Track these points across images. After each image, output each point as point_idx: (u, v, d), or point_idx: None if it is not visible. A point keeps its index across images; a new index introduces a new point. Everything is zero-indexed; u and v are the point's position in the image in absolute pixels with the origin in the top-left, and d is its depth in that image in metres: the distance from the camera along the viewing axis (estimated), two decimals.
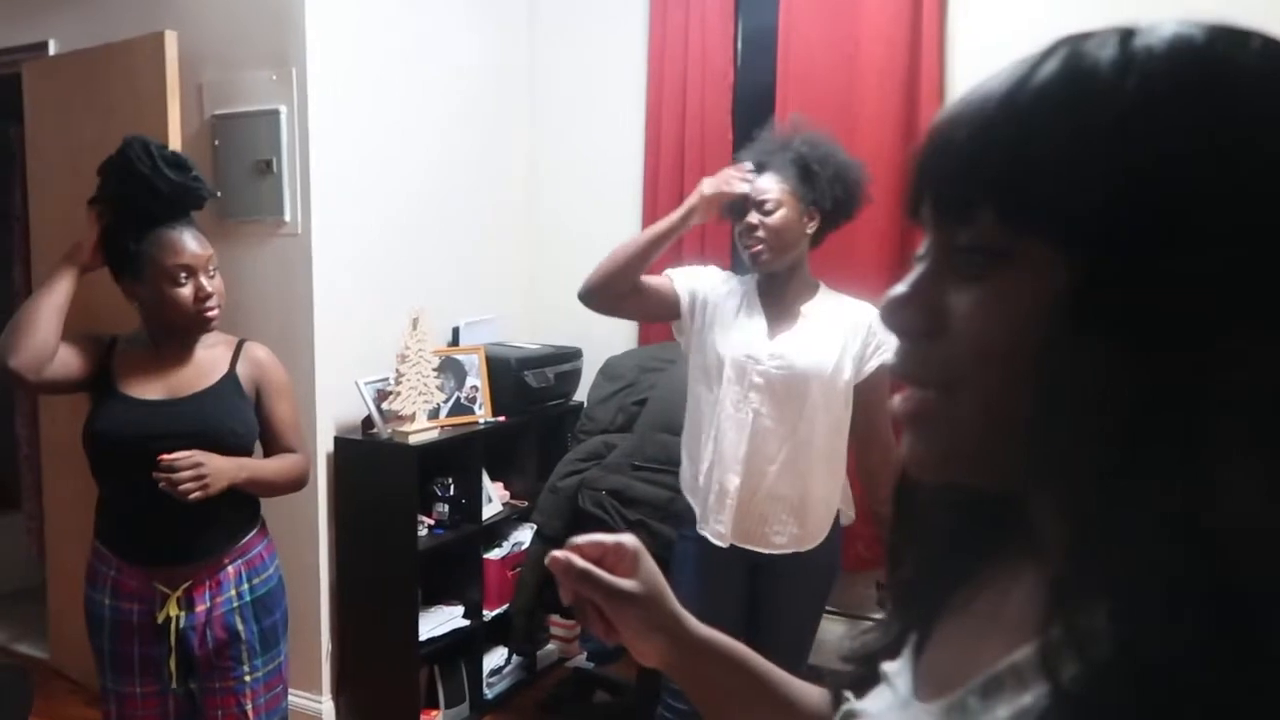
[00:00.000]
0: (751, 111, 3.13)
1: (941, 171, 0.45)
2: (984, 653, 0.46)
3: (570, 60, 3.53)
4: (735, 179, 2.00)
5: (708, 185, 2.01)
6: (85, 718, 2.91)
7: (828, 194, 1.98)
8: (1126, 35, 0.40)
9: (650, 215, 3.33)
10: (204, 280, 1.83)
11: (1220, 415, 0.37)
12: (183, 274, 1.81)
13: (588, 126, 3.53)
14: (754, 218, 1.96)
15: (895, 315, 0.46)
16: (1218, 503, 0.36)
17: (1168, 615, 0.36)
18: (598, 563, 0.73)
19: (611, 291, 2.00)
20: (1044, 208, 0.40)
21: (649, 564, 0.75)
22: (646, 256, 2.00)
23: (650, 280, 2.05)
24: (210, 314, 1.85)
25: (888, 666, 0.55)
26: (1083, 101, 0.40)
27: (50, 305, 1.80)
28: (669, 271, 2.11)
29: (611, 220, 3.43)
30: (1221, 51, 0.39)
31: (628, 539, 0.75)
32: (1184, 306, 0.37)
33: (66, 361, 1.81)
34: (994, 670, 0.44)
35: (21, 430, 3.92)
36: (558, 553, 0.73)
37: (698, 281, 2.09)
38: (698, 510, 2.05)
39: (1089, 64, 0.40)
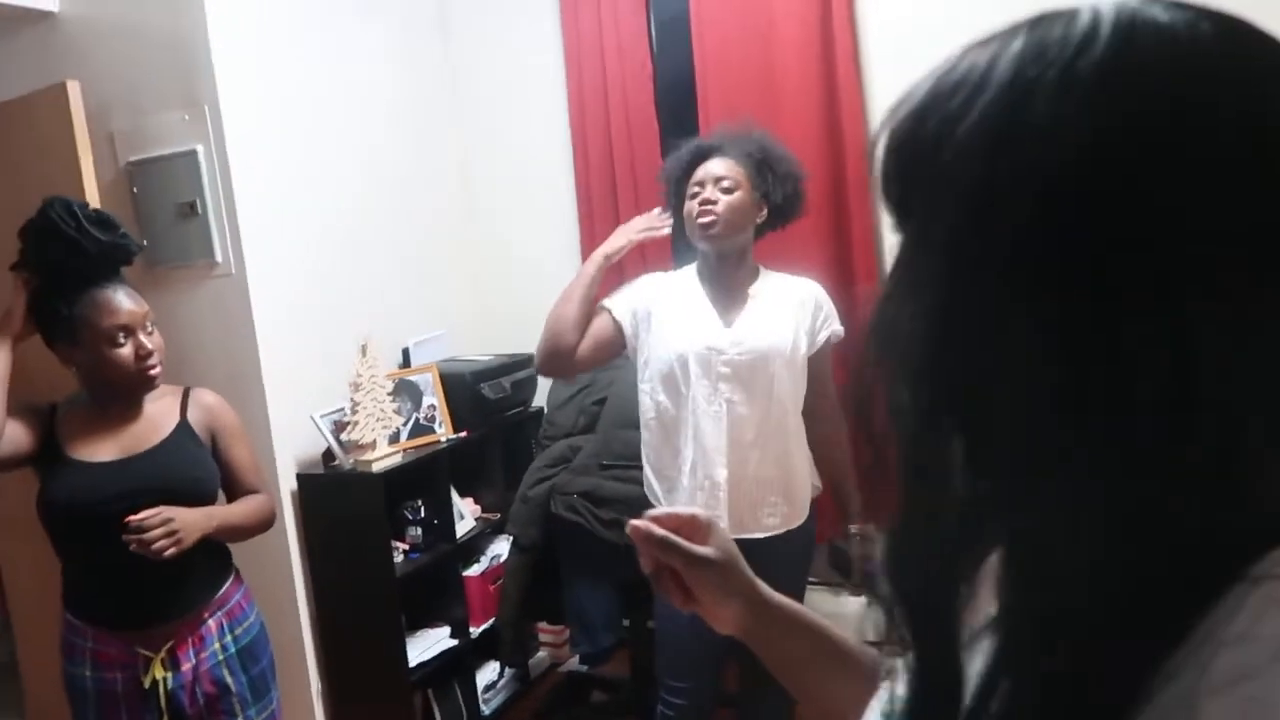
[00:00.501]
0: (674, 98, 3.15)
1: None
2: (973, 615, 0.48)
3: (488, 69, 3.51)
4: (656, 221, 2.09)
5: (627, 231, 2.10)
6: None
7: (778, 190, 2.01)
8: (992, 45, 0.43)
9: (586, 211, 3.33)
10: (143, 338, 1.78)
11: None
12: (121, 334, 1.76)
13: (514, 132, 3.51)
14: (712, 192, 1.97)
15: None
16: (1150, 472, 0.38)
17: (1063, 573, 0.39)
18: (675, 533, 0.76)
19: (564, 358, 2.03)
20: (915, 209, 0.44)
21: (722, 533, 0.79)
22: (585, 304, 2.04)
23: (593, 327, 2.07)
24: (152, 372, 1.81)
25: None
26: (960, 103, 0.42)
27: None
28: (604, 304, 2.11)
29: (549, 221, 3.42)
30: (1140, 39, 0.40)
31: (700, 512, 0.79)
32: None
33: (13, 438, 1.74)
34: (974, 626, 0.47)
35: None
36: (637, 522, 0.77)
37: (634, 300, 2.10)
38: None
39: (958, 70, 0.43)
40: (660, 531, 0.76)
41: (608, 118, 3.24)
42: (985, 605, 0.47)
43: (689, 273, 2.10)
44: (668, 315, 2.04)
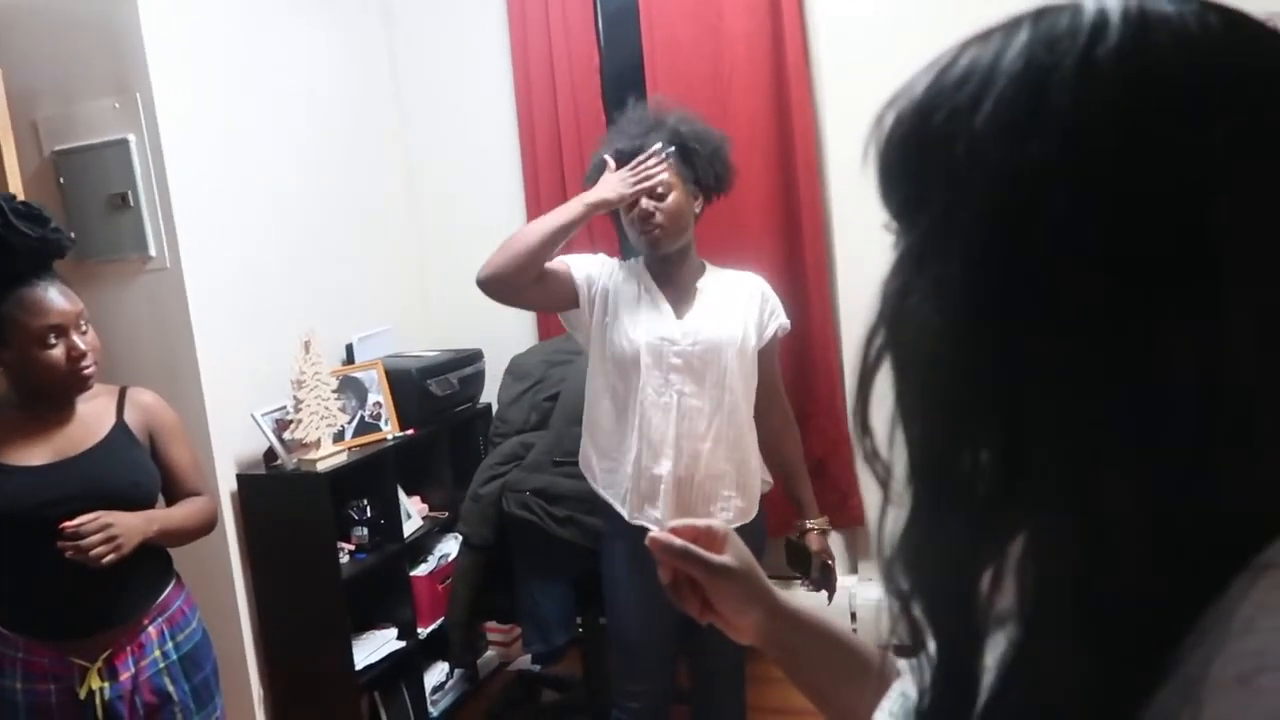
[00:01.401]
0: (622, 90, 3.12)
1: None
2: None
3: (433, 60, 3.45)
4: (651, 170, 1.92)
5: (620, 185, 1.93)
6: None
7: (709, 172, 1.98)
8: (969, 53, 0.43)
9: (534, 205, 3.29)
10: (76, 338, 1.69)
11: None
12: (52, 335, 1.67)
13: (459, 123, 3.45)
14: (648, 204, 1.93)
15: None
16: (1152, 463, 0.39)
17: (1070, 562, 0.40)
18: (693, 544, 0.77)
19: (514, 281, 1.91)
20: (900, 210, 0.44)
21: (739, 544, 0.79)
22: (552, 244, 1.91)
23: (550, 267, 1.97)
24: (86, 372, 1.72)
25: None
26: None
27: None
28: (565, 258, 2.04)
29: (495, 216, 3.37)
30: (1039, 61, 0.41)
31: (717, 523, 0.79)
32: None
33: None
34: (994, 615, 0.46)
35: None
36: (656, 534, 0.77)
37: (593, 269, 2.05)
38: (627, 504, 2.00)
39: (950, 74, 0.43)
40: (679, 542, 0.76)
41: (555, 110, 3.21)
42: (1002, 596, 0.46)
43: (639, 264, 2.07)
44: (623, 303, 2.01)
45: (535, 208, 3.29)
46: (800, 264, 2.95)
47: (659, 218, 1.93)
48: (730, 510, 1.99)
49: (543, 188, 3.25)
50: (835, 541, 2.71)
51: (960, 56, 0.43)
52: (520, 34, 3.24)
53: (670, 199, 1.93)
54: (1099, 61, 0.39)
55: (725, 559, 0.77)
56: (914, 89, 0.45)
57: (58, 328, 1.67)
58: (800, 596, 2.41)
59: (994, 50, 0.42)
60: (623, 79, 3.11)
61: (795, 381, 2.84)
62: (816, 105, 2.90)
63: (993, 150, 0.40)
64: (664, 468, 1.95)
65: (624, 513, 2.00)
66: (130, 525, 1.66)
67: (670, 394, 1.95)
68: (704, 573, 0.76)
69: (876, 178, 0.46)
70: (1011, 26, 0.42)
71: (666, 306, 2.00)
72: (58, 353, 1.67)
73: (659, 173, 1.92)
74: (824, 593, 2.12)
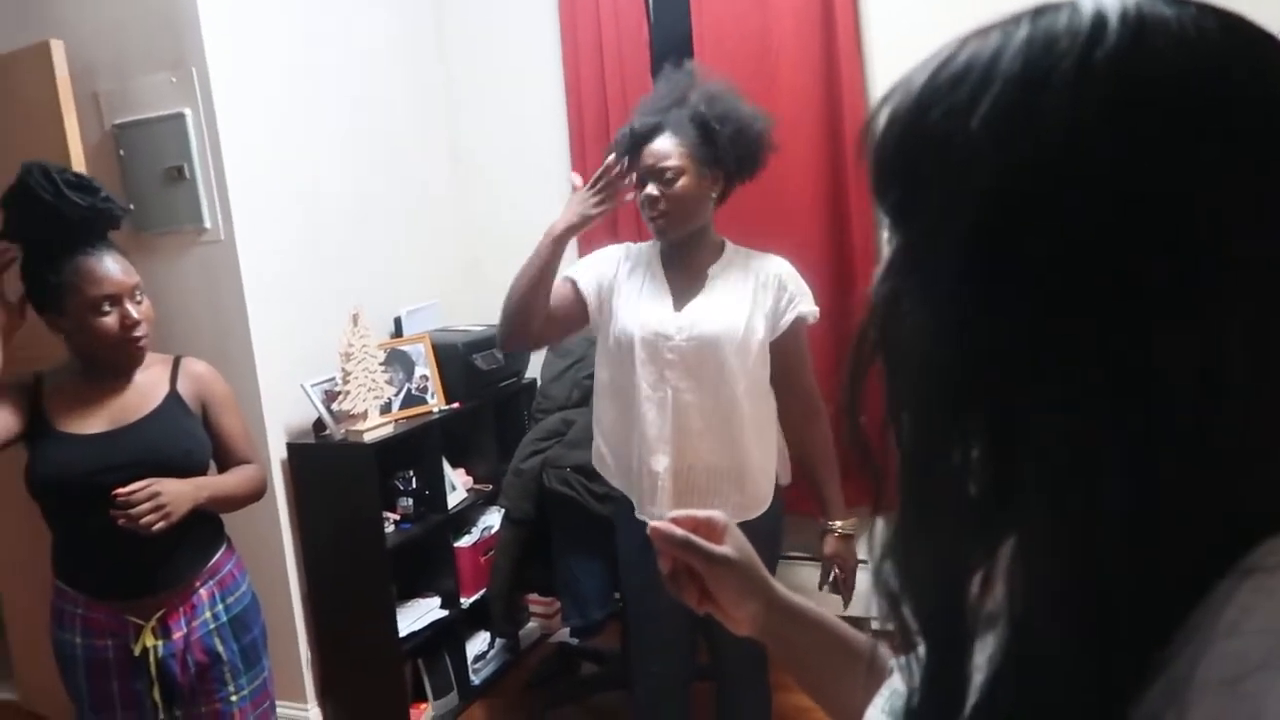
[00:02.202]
0: (670, 64, 3.10)
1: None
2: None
3: (481, 31, 3.46)
4: (612, 183, 1.86)
5: (581, 206, 1.87)
6: None
7: (730, 153, 1.87)
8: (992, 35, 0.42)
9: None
10: (130, 307, 1.74)
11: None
12: (106, 303, 1.72)
13: (507, 98, 3.46)
14: (654, 188, 1.85)
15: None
16: (1137, 466, 0.38)
17: (1058, 570, 0.40)
18: (693, 533, 0.77)
19: (524, 334, 1.90)
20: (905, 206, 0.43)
21: (739, 535, 0.80)
22: (538, 289, 1.87)
23: (555, 298, 1.92)
24: (140, 343, 1.76)
25: None
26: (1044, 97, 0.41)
27: None
28: (569, 273, 2.00)
29: (542, 192, 3.38)
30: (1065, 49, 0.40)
31: (718, 514, 0.80)
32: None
33: (2, 425, 1.70)
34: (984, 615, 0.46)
35: None
36: (657, 523, 0.77)
37: (602, 269, 2.00)
38: (634, 498, 1.98)
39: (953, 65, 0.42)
40: (680, 532, 0.77)
41: (603, 84, 3.20)
42: (992, 598, 0.46)
43: (654, 246, 2.00)
44: (624, 291, 1.96)
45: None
46: (848, 248, 2.91)
47: (664, 204, 1.85)
48: (730, 507, 1.91)
49: (589, 165, 3.23)
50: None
51: (958, 53, 0.43)
52: (569, 12, 3.23)
53: (679, 183, 1.85)
54: (1096, 64, 0.39)
55: (725, 550, 0.77)
56: (911, 85, 0.44)
57: (112, 297, 1.72)
58: (815, 595, 2.39)
59: (993, 48, 0.41)
60: (671, 53, 3.08)
61: (838, 370, 2.81)
62: (868, 83, 2.85)
63: (988, 151, 0.40)
64: (661, 464, 1.91)
65: (635, 503, 1.98)
66: (179, 493, 1.71)
67: (665, 389, 1.89)
68: (703, 563, 0.77)
69: (871, 175, 0.46)
70: (1010, 24, 0.42)
71: (667, 297, 1.93)
72: (112, 321, 1.72)
73: (623, 185, 1.87)
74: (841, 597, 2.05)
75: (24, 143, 2.44)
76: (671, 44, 3.11)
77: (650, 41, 3.17)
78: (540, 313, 1.89)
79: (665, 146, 1.86)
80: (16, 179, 1.70)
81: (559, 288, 1.95)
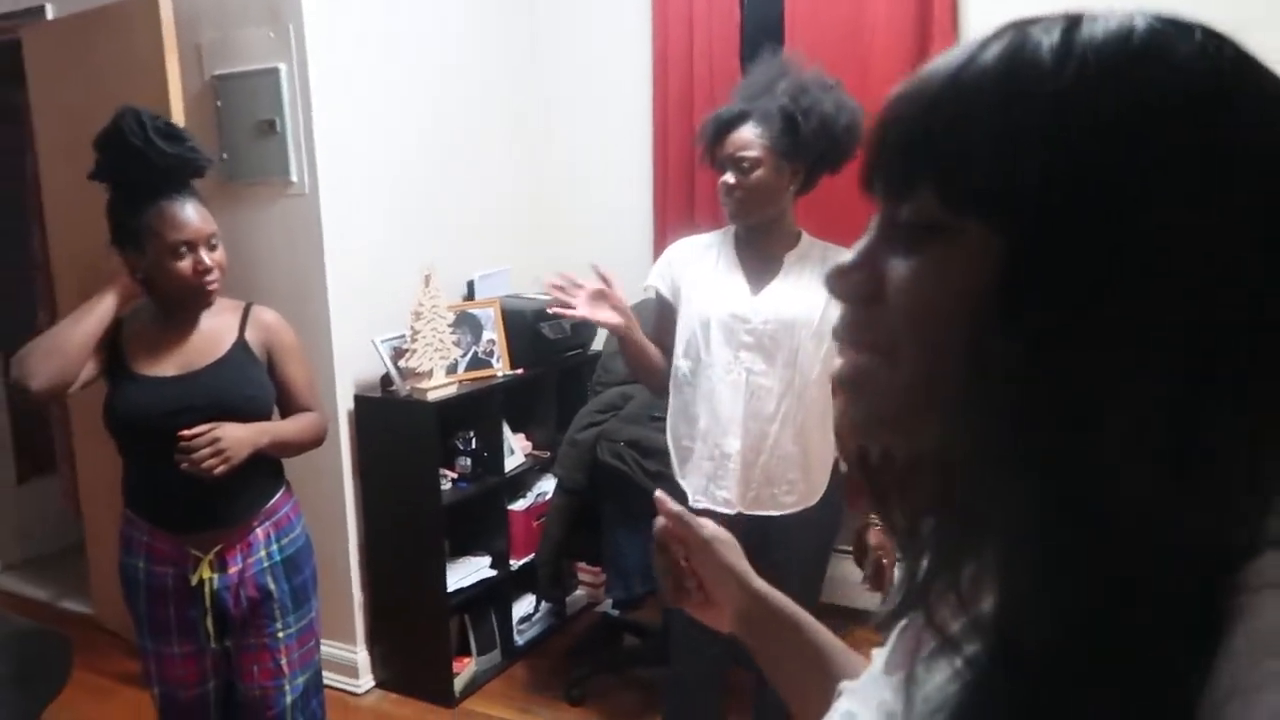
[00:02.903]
0: (760, 46, 3.06)
1: (887, 148, 0.46)
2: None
3: (570, 8, 3.46)
4: (603, 305, 1.93)
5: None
6: (127, 670, 2.99)
7: (812, 147, 1.87)
8: (1071, 22, 0.41)
9: (660, 161, 3.29)
10: (203, 254, 1.82)
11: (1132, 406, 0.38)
12: (183, 248, 1.80)
13: (593, 70, 3.47)
14: (731, 176, 1.88)
15: (839, 281, 0.48)
16: (1109, 489, 0.37)
17: (1046, 598, 0.39)
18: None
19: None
20: (978, 189, 0.41)
21: (724, 532, 0.86)
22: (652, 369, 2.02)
23: (656, 316, 2.04)
24: (210, 288, 1.84)
25: (876, 650, 0.58)
26: (1020, 85, 0.40)
27: (84, 334, 1.78)
28: (648, 284, 2.08)
29: (622, 169, 3.39)
30: (1159, 42, 0.39)
31: (705, 521, 0.86)
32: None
33: (82, 373, 1.81)
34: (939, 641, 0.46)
35: None
36: (662, 495, 0.87)
37: (667, 272, 2.05)
38: (694, 482, 2.00)
39: (1030, 48, 0.41)
40: (676, 506, 0.85)
41: (691, 64, 3.18)
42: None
43: (728, 235, 2.03)
44: (697, 278, 1.99)
45: (661, 165, 3.29)
46: None
47: (739, 192, 1.89)
48: (794, 494, 1.95)
49: (670, 144, 3.24)
50: None
51: (959, 57, 0.43)
52: None
53: (755, 174, 1.87)
54: (1031, 89, 0.39)
55: (715, 529, 0.84)
56: (929, 78, 0.44)
57: (189, 242, 1.80)
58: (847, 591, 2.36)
59: (964, 57, 0.42)
60: (761, 36, 3.04)
61: None
62: None
63: (976, 161, 0.40)
64: (732, 446, 1.94)
65: (689, 493, 1.99)
66: (240, 437, 1.78)
67: (739, 370, 1.92)
68: (695, 538, 0.83)
69: (873, 155, 0.46)
70: (984, 43, 0.43)
71: (742, 282, 1.96)
72: (186, 265, 1.80)
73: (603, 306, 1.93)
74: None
75: (129, 90, 2.54)
76: (763, 28, 3.07)
77: (741, 25, 3.13)
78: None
79: (747, 136, 1.88)
80: (110, 122, 1.79)
81: (653, 304, 2.06)
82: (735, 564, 0.82)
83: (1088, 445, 0.38)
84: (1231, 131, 0.38)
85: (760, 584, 0.81)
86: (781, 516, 1.97)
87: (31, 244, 4.01)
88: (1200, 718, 0.36)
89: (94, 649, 3.17)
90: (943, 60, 0.44)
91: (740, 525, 1.92)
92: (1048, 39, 0.40)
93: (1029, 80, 0.40)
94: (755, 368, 1.92)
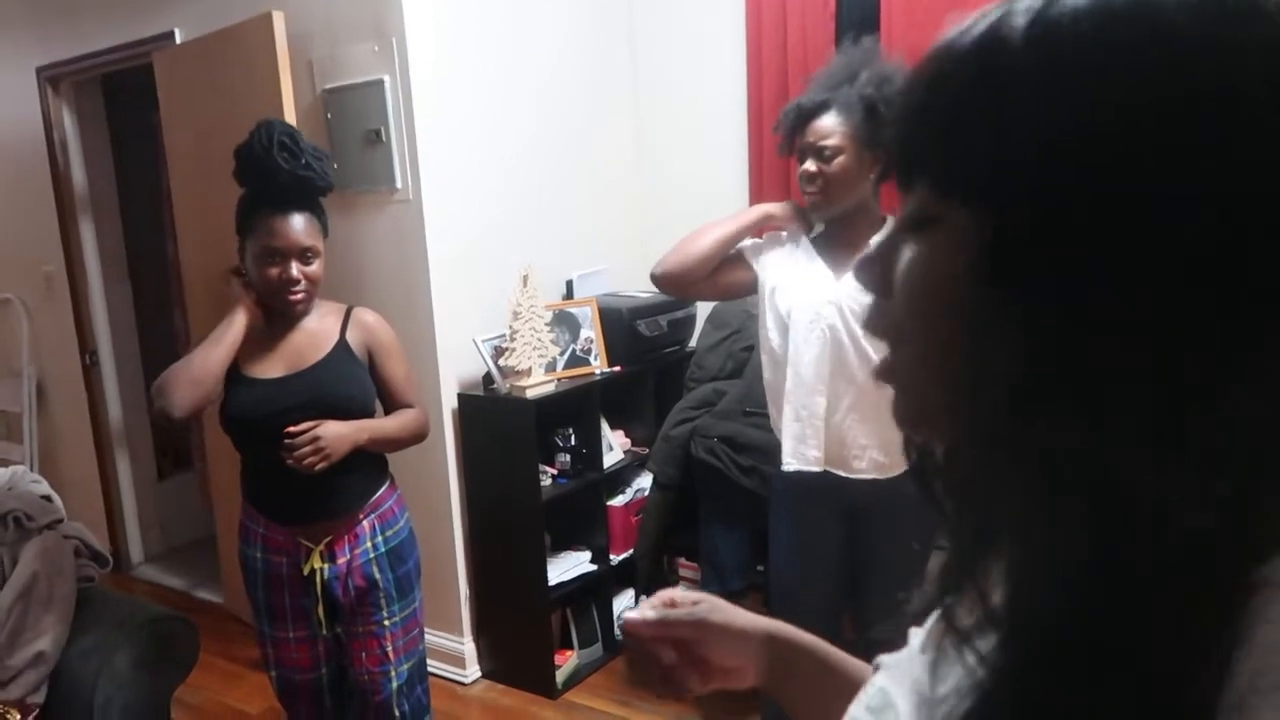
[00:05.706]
0: (850, 39, 3.01)
1: (893, 144, 0.46)
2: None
3: (666, 8, 3.48)
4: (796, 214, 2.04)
5: (784, 218, 2.06)
6: (252, 656, 3.16)
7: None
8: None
9: (756, 157, 3.27)
10: (293, 265, 1.91)
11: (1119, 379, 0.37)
12: (276, 256, 1.90)
13: (689, 71, 3.48)
14: (812, 165, 1.90)
15: (859, 273, 0.49)
16: (1106, 476, 0.36)
17: (1054, 581, 0.38)
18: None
19: (684, 280, 2.06)
20: (957, 171, 0.41)
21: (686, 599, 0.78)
22: (723, 249, 2.04)
23: (727, 261, 2.07)
24: (294, 298, 1.94)
25: (914, 629, 0.57)
26: (993, 66, 0.40)
27: (217, 362, 1.90)
28: (743, 247, 2.10)
29: (717, 165, 3.39)
30: (1141, 12, 0.37)
31: (677, 592, 0.78)
32: (1078, 267, 0.37)
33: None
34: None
35: None
36: (631, 616, 0.76)
37: (764, 247, 2.08)
38: (789, 444, 2.02)
39: (1006, 28, 0.39)
40: (653, 614, 0.75)
41: (785, 59, 3.15)
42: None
43: (802, 238, 2.07)
44: (787, 264, 2.03)
45: (756, 165, 3.27)
46: None
47: (820, 181, 1.91)
48: (864, 460, 1.95)
49: (766, 144, 3.21)
50: None
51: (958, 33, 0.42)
52: None
53: (836, 162, 1.88)
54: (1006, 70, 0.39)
55: (699, 602, 0.76)
56: (919, 70, 0.44)
57: (281, 251, 1.91)
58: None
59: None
60: (858, 23, 2.99)
61: None
62: None
63: (954, 151, 0.41)
64: (818, 405, 1.96)
65: (784, 457, 2.02)
66: (339, 434, 1.88)
67: (820, 327, 1.94)
68: (688, 624, 0.74)
69: (903, 118, 0.45)
70: (965, 29, 0.42)
71: (824, 270, 1.98)
72: (274, 271, 1.92)
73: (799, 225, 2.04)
74: None
75: (249, 106, 2.71)
76: (859, 15, 3.02)
77: (836, 12, 3.09)
78: (707, 269, 2.05)
79: (828, 124, 1.89)
80: (251, 130, 1.91)
81: (731, 261, 2.08)
82: (732, 621, 0.75)
83: (1082, 431, 0.37)
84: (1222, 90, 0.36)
85: (766, 621, 0.76)
86: (859, 481, 1.96)
87: (167, 253, 4.30)
88: (1219, 715, 0.35)
89: (224, 635, 3.38)
90: (933, 46, 0.44)
91: (824, 493, 1.98)
92: (1019, 20, 0.39)
93: (1000, 62, 0.39)
94: (839, 326, 1.94)
